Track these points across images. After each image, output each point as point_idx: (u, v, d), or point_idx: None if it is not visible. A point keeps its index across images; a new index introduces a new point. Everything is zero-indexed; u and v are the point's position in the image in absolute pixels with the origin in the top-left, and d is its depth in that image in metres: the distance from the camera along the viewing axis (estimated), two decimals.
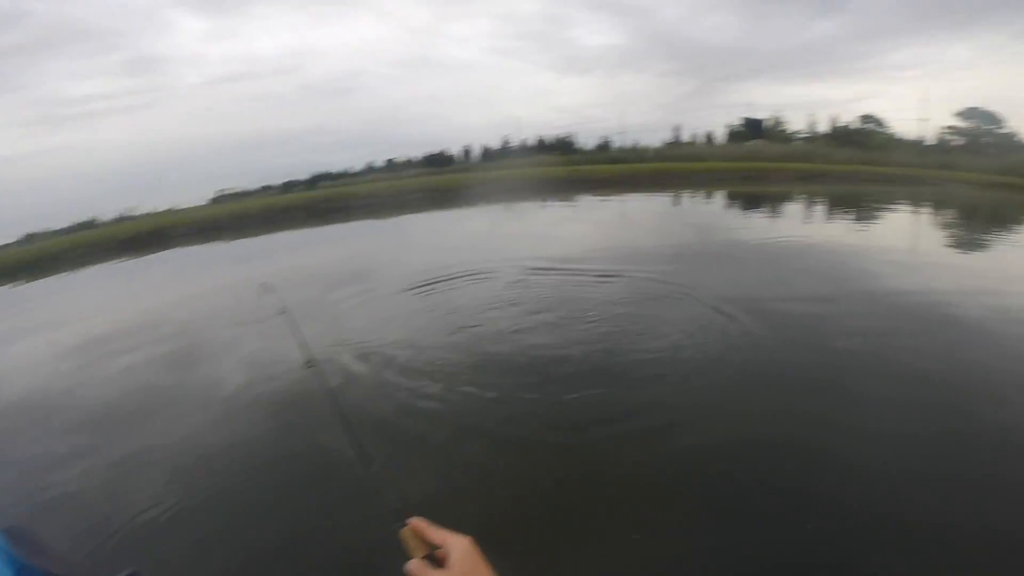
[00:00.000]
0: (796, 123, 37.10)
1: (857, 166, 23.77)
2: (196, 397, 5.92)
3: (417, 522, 0.99)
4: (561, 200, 21.43)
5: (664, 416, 4.24)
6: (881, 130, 34.15)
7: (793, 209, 16.86)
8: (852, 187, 20.45)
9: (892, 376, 4.70)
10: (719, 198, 20.17)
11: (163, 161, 54.24)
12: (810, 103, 60.25)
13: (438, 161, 41.84)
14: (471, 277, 8.88)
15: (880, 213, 14.87)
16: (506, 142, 41.53)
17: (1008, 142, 30.06)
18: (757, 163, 25.74)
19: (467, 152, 42.53)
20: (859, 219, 14.05)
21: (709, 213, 17.11)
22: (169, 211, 34.07)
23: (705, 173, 24.60)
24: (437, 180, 31.30)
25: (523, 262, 9.39)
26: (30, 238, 32.05)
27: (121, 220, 33.93)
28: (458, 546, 0.93)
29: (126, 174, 53.26)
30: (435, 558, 0.93)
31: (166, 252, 20.23)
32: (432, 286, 8.48)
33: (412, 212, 22.33)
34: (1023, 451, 3.61)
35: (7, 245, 30.60)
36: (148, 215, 33.88)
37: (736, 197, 19.91)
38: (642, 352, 5.39)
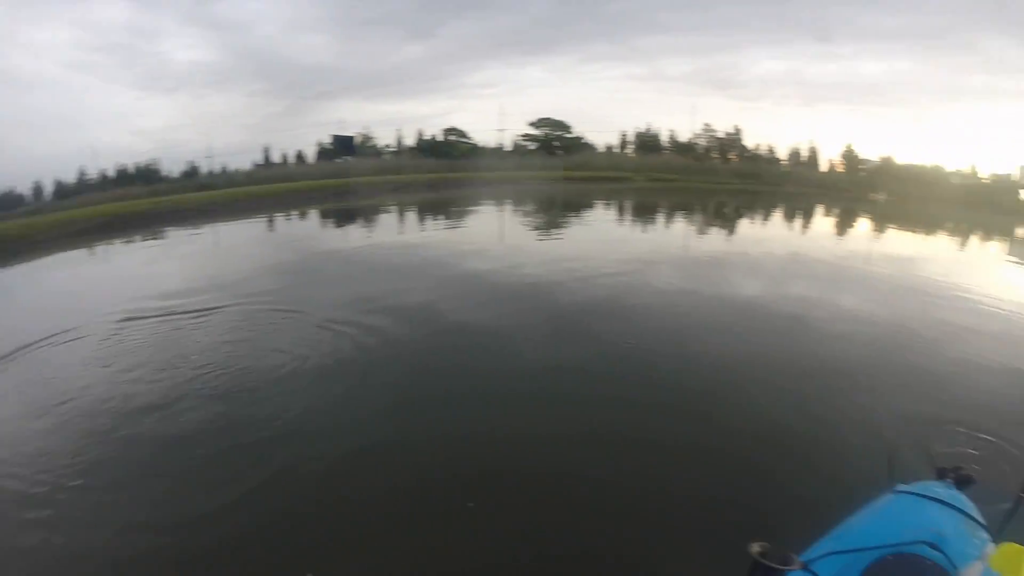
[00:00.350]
0: (385, 138, 38.14)
1: (443, 174, 24.89)
2: None
3: None
4: (149, 236, 18.68)
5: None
6: (464, 140, 36.92)
7: (385, 218, 17.31)
8: (439, 193, 21.78)
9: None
10: (314, 216, 19.88)
11: None
12: (399, 119, 63.16)
13: (4, 204, 32.47)
14: (47, 344, 6.92)
15: (464, 212, 15.44)
16: (82, 174, 34.31)
17: (576, 144, 37.61)
18: (348, 179, 25.56)
19: (39, 190, 34.00)
20: (445, 219, 14.34)
21: (304, 232, 16.78)
22: None
23: (298, 193, 24.02)
24: (5, 226, 24.38)
25: (111, 314, 7.82)
26: None
27: None
28: None
29: None
30: None
31: None
32: None
33: None
34: None
35: None
36: None
37: (331, 214, 19.84)
38: (258, 390, 4.96)
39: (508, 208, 16.34)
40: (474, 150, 36.73)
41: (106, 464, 4.03)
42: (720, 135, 36.17)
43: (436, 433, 4.07)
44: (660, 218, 13.89)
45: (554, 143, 37.48)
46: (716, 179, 29.27)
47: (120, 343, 6.72)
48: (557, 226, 12.27)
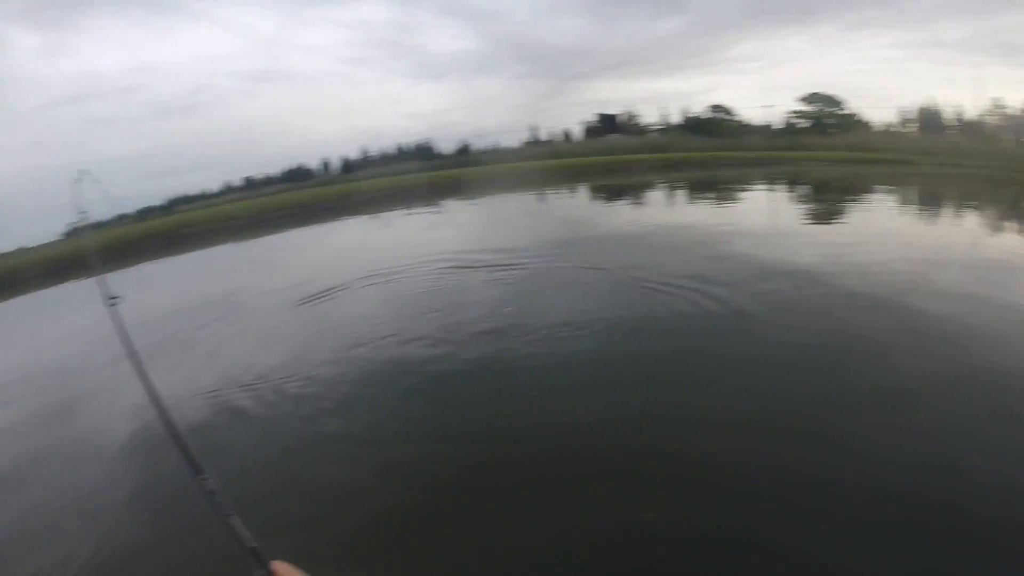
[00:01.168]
0: (649, 116, 38.07)
1: (712, 152, 24.51)
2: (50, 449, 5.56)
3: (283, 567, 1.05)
4: (429, 206, 20.85)
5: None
6: (730, 118, 35.65)
7: (670, 196, 16.97)
8: (711, 173, 21.03)
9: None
10: (586, 192, 20.14)
11: (5, 196, 47.80)
12: (660, 96, 62.70)
13: (297, 176, 39.76)
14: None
15: (743, 194, 15.25)
16: (365, 152, 40.11)
17: (850, 122, 32.53)
18: (617, 156, 25.95)
19: (326, 165, 40.66)
20: (723, 201, 14.34)
21: (582, 206, 17.07)
22: (19, 250, 30.33)
23: (566, 170, 24.47)
24: (299, 195, 29.83)
25: (435, 262, 9.48)
26: None
27: None
28: None
29: None
30: None
31: (15, 299, 17.98)
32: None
33: (276, 231, 21.07)
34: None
35: None
36: None
37: (603, 189, 19.87)
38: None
39: (780, 190, 15.79)
40: (741, 128, 34.93)
41: (418, 386, 4.99)
42: (1014, 111, 29.68)
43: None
44: (951, 209, 12.63)
45: (825, 120, 33.64)
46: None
47: (437, 286, 8.14)
48: (834, 212, 11.80)
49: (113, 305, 2.64)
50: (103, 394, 6.53)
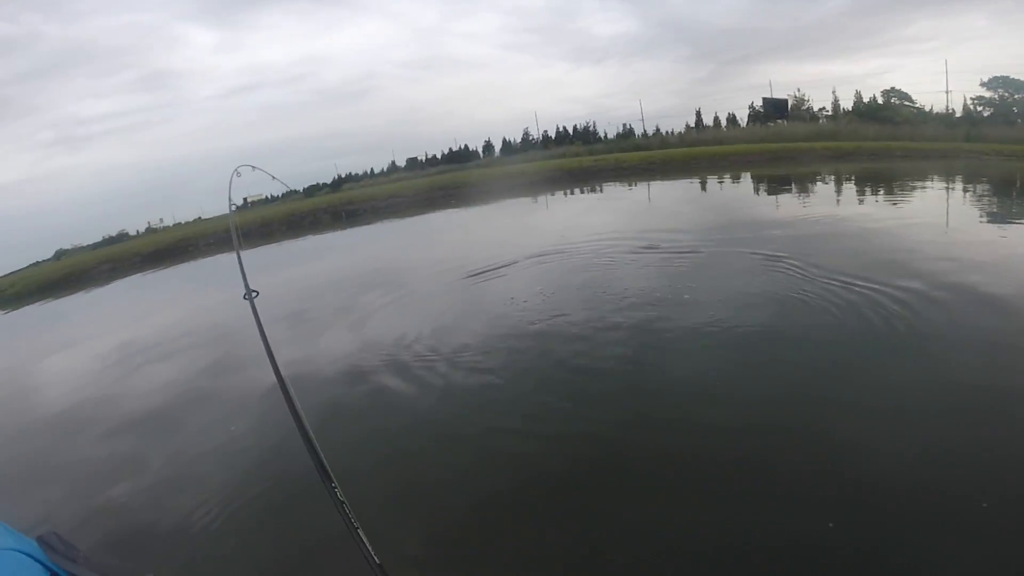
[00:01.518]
0: (818, 101, 36.19)
1: (887, 142, 23.21)
2: (232, 406, 6.06)
3: None
4: (590, 189, 21.50)
5: None
6: (907, 104, 33.26)
7: (841, 188, 16.57)
8: (884, 164, 19.97)
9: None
10: (750, 180, 19.86)
11: (186, 174, 54.56)
12: (830, 80, 58.83)
13: (459, 157, 41.54)
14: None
15: (920, 189, 14.49)
16: (526, 135, 41.17)
17: None
18: (785, 143, 25.24)
19: (487, 147, 42.27)
20: (899, 195, 13.80)
21: (742, 196, 16.95)
22: (198, 220, 34.90)
23: (733, 156, 24.15)
24: (461, 176, 31.26)
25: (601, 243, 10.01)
26: (60, 254, 32.93)
27: (150, 232, 35.06)
28: None
29: (151, 188, 53.63)
30: None
31: (189, 263, 20.59)
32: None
33: (438, 210, 22.33)
34: None
35: (41, 262, 31.61)
36: (176, 226, 35.01)
37: (768, 179, 19.52)
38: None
39: (961, 186, 14.58)
40: (917, 115, 31.43)
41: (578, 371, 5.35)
42: None
43: None
44: None
45: (1011, 108, 28.67)
46: None
47: (604, 267, 8.65)
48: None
49: (251, 297, 2.85)
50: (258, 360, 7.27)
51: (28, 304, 19.09)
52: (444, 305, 8.06)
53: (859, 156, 21.72)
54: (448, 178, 31.00)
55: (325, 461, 1.65)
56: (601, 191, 21.01)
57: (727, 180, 19.94)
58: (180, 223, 35.82)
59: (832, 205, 13.06)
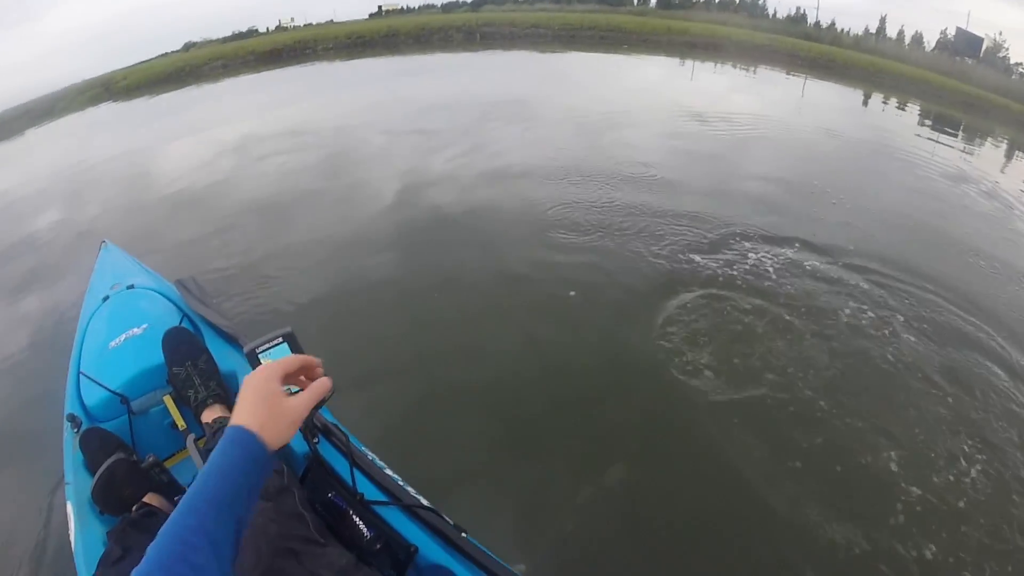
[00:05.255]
0: (1019, 54, 32.05)
1: None
2: (344, 195, 6.87)
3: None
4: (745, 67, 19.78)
5: None
6: None
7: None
8: None
9: None
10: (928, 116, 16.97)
11: None
12: None
13: None
14: None
15: None
16: None
17: None
18: (978, 90, 22.58)
19: None
20: None
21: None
22: (329, 23, 33.80)
23: (923, 84, 21.60)
24: (612, 19, 28.67)
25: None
26: (188, 46, 32.21)
27: (280, 30, 34.18)
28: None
29: None
30: None
31: (306, 66, 19.90)
32: None
33: (580, 50, 20.94)
34: None
35: (169, 54, 30.82)
36: (306, 27, 33.82)
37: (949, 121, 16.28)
38: None
39: None
40: None
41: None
42: None
43: None
44: None
45: None
46: None
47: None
48: None
49: None
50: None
51: (137, 97, 18.90)
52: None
53: None
54: (595, 19, 28.30)
55: None
56: (755, 73, 19.30)
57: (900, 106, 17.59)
58: (311, 23, 34.44)
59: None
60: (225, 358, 2.39)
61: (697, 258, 5.16)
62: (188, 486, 0.89)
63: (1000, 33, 31.20)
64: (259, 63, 22.67)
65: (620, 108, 10.49)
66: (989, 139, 14.48)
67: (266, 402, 0.97)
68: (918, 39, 33.26)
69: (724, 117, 10.24)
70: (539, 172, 7.29)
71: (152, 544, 0.81)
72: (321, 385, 1.08)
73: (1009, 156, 12.54)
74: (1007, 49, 31.23)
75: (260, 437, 0.93)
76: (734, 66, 20.08)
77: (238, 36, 33.60)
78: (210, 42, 32.75)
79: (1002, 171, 10.12)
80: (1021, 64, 30.19)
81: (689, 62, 20.35)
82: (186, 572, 0.78)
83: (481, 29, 26.58)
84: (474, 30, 26.59)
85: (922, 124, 14.86)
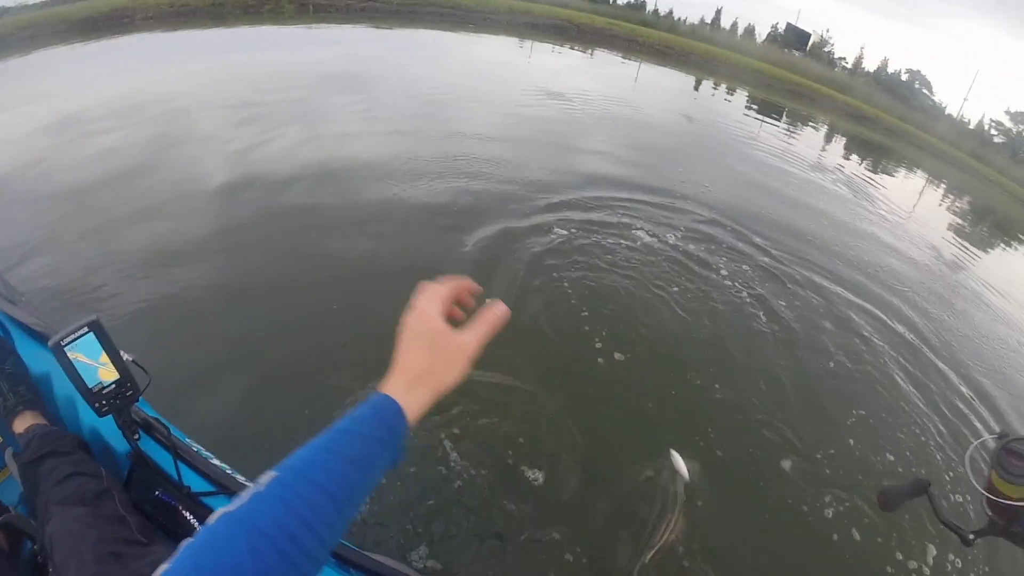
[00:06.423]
0: (842, 49, 34.25)
1: (896, 120, 21.76)
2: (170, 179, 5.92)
3: None
4: (582, 49, 19.35)
5: None
6: (926, 93, 31.86)
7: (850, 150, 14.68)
8: (898, 143, 18.49)
9: None
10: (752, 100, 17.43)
11: None
12: (861, 32, 56.25)
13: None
14: None
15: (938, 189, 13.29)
16: None
17: None
18: (804, 80, 23.32)
19: None
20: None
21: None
22: None
23: (756, 72, 21.83)
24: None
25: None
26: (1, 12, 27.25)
27: None
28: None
29: None
30: None
31: (126, 36, 17.22)
32: None
33: (423, 27, 19.68)
34: None
35: None
36: None
37: (772, 108, 16.92)
38: None
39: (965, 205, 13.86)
40: (934, 108, 30.23)
41: None
42: None
43: None
44: None
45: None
46: None
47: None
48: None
49: None
50: None
51: None
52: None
53: (877, 125, 20.10)
54: None
55: None
56: (591, 55, 18.82)
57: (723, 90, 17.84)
58: None
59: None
60: (36, 359, 2.05)
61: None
62: (13, 507, 0.87)
63: (827, 30, 33.79)
64: (71, 33, 19.37)
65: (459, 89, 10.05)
66: (810, 123, 15.65)
67: (432, 344, 0.77)
68: (750, 31, 34.63)
69: (559, 95, 10.43)
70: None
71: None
72: (494, 313, 0.81)
73: (828, 139, 13.89)
74: (832, 44, 33.62)
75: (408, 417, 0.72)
76: (572, 48, 19.68)
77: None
78: (25, 6, 28.43)
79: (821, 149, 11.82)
80: (844, 58, 32.86)
81: (528, 42, 19.58)
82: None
83: (314, 1, 24.33)
84: (306, 1, 24.25)
85: (749, 108, 15.33)
